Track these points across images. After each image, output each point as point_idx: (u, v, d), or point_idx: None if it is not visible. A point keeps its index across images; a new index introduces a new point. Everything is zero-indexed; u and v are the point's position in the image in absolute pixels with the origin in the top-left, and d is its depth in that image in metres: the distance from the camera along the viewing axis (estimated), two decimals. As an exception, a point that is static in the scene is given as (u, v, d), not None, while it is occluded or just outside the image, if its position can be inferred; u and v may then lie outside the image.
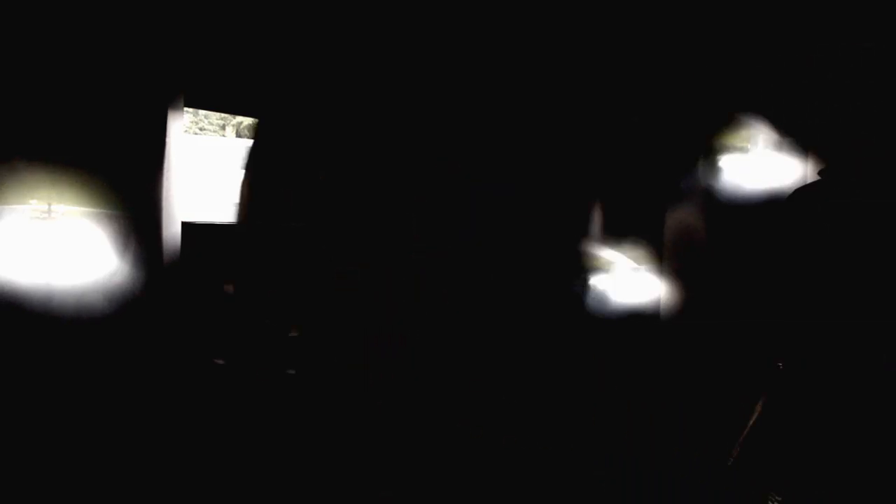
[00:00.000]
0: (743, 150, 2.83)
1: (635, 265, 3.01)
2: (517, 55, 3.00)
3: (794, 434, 1.63)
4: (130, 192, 2.04)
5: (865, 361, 1.55)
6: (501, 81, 2.99)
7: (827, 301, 1.61)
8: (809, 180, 2.66)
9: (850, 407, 1.57)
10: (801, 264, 1.66)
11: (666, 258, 3.00)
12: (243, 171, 1.52)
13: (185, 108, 2.29)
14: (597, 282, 3.03)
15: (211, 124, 16.00)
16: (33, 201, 1.88)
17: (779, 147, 2.77)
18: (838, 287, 1.59)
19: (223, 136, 15.95)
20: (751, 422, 1.74)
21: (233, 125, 15.95)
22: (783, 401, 1.68)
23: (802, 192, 1.72)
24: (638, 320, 3.00)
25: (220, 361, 1.47)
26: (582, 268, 3.04)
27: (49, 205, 1.90)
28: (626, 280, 3.01)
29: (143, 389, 2.05)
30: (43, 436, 1.91)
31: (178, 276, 2.18)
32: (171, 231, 2.24)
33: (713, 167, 2.88)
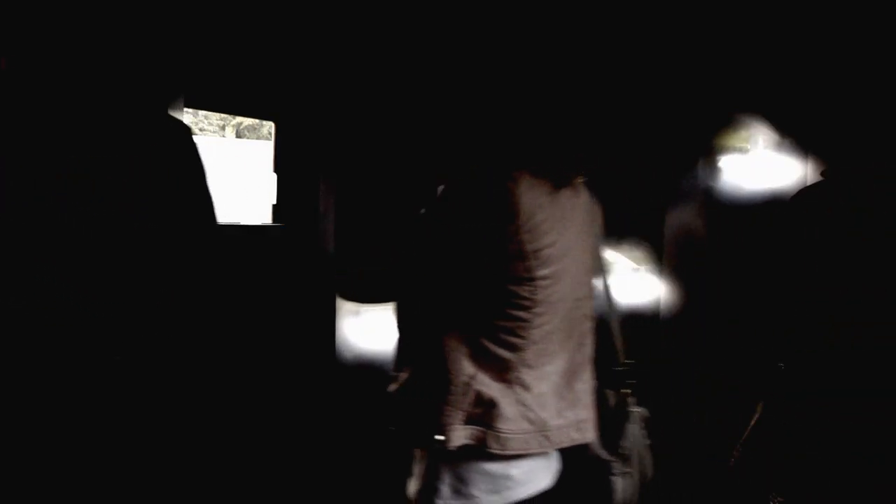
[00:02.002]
0: (743, 150, 2.82)
1: (635, 265, 3.01)
2: (513, 52, 3.00)
3: (794, 434, 1.63)
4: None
5: (866, 361, 1.56)
6: (498, 79, 2.99)
7: (828, 301, 1.61)
8: (810, 181, 2.66)
9: (850, 407, 1.57)
10: (802, 264, 1.66)
11: (666, 258, 3.00)
12: None
13: (185, 108, 2.29)
14: (597, 282, 3.02)
15: (211, 124, 16.02)
16: (33, 201, 1.88)
17: (779, 147, 2.77)
18: (840, 287, 1.59)
19: (223, 136, 15.98)
20: (751, 423, 1.74)
21: (233, 125, 15.97)
22: (784, 401, 1.68)
23: (805, 193, 1.72)
24: (638, 321, 3.00)
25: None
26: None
27: (49, 205, 1.90)
28: (626, 280, 3.01)
29: (143, 389, 2.05)
30: (38, 437, 1.90)
31: (178, 276, 2.17)
32: (171, 231, 2.24)
33: (713, 167, 2.88)
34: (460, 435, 1.23)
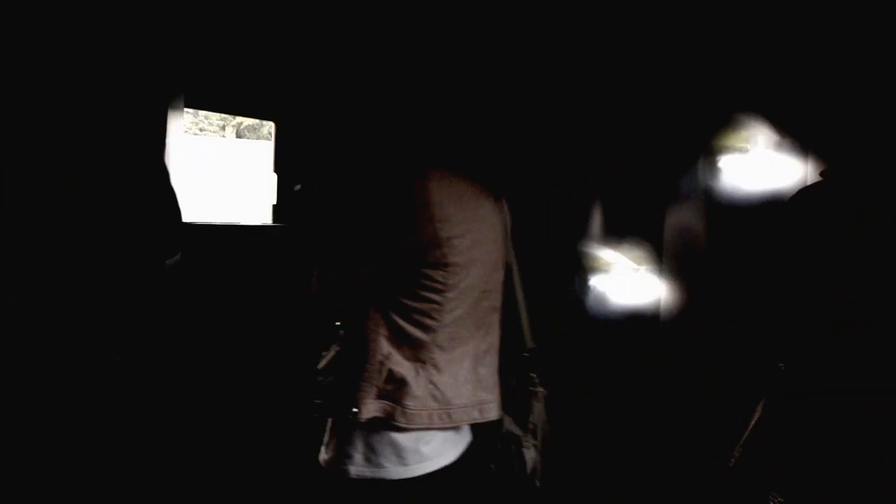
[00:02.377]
0: (743, 150, 2.82)
1: (635, 265, 3.01)
2: (514, 52, 3.00)
3: (794, 434, 1.63)
4: (130, 192, 2.04)
5: (866, 361, 1.56)
6: (498, 80, 2.99)
7: (828, 301, 1.61)
8: (810, 181, 2.66)
9: (850, 407, 1.57)
10: (802, 264, 1.66)
11: (666, 258, 3.00)
12: None
13: (185, 108, 2.29)
14: (597, 282, 3.02)
15: (211, 124, 16.02)
16: (33, 201, 1.88)
17: (779, 147, 2.76)
18: (840, 287, 1.59)
19: (223, 136, 15.97)
20: (752, 423, 1.74)
21: (233, 125, 15.97)
22: (784, 401, 1.68)
23: (804, 193, 1.72)
24: (638, 321, 3.00)
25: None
26: (582, 268, 3.04)
27: (49, 205, 1.90)
28: (626, 280, 3.01)
29: (143, 389, 2.05)
30: (39, 437, 1.91)
31: (177, 276, 2.18)
32: (171, 231, 2.24)
33: (713, 167, 2.88)
34: (371, 408, 1.36)
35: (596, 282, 3.02)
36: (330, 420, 1.44)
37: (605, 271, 3.02)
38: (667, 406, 2.90)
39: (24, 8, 1.89)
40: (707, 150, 2.89)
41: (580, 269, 3.04)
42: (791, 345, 1.68)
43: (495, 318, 1.54)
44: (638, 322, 3.00)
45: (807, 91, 2.66)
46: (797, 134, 2.73)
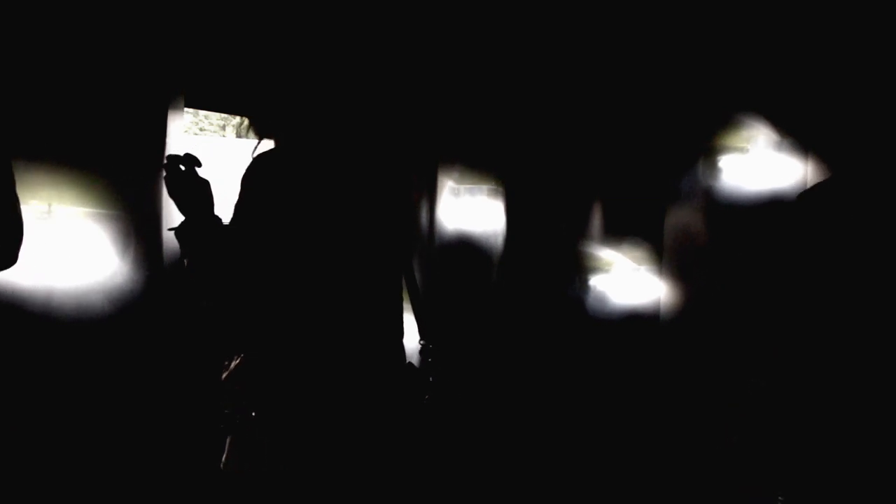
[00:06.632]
0: (743, 150, 2.83)
1: (635, 265, 3.01)
2: (514, 52, 3.00)
3: (795, 434, 1.63)
4: (130, 192, 2.04)
5: (868, 362, 1.56)
6: (498, 80, 2.99)
7: (830, 302, 1.61)
8: (810, 181, 2.66)
9: (851, 407, 1.57)
10: (805, 266, 1.65)
11: (666, 258, 3.00)
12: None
13: (185, 108, 2.29)
14: (596, 282, 3.02)
15: (211, 124, 16.01)
16: (33, 201, 1.88)
17: (779, 147, 2.77)
18: (842, 288, 1.59)
19: (223, 136, 15.95)
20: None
21: (233, 125, 15.94)
22: (783, 400, 1.68)
23: (808, 195, 1.72)
24: (638, 321, 3.00)
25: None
26: (581, 268, 3.04)
27: (49, 205, 1.90)
28: (626, 280, 3.01)
29: (143, 389, 2.05)
30: (41, 437, 1.91)
31: (178, 276, 2.17)
32: (172, 231, 2.23)
33: (713, 167, 2.88)
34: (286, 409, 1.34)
35: (595, 282, 3.02)
36: (234, 426, 1.42)
37: (605, 271, 3.02)
38: (666, 407, 2.90)
39: (23, 7, 1.89)
40: (707, 150, 2.90)
41: (580, 269, 3.04)
42: (794, 346, 1.67)
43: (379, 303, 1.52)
44: (638, 322, 3.00)
45: (807, 91, 2.66)
46: (797, 134, 2.73)
